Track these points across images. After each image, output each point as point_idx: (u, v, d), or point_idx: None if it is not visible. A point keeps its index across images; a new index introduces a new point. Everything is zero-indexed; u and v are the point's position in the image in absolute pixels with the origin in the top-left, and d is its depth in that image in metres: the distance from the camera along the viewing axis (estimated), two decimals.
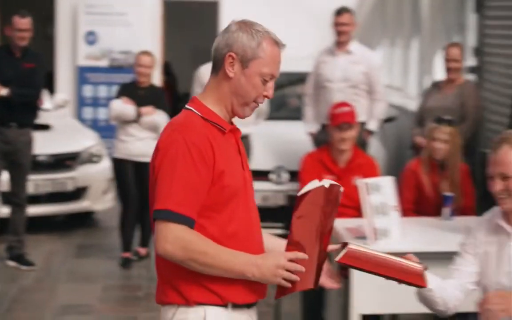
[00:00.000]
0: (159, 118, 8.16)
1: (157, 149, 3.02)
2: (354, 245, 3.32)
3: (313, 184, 3.05)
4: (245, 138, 8.35)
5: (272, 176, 8.73)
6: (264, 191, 8.62)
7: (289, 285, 2.95)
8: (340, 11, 8.28)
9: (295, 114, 9.29)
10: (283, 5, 13.15)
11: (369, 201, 5.11)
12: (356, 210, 5.76)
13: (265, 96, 3.11)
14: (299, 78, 9.72)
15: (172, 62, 15.54)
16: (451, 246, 4.68)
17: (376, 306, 5.21)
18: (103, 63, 13.20)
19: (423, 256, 3.61)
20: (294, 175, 8.16)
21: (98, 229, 9.94)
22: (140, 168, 8.20)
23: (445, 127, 6.21)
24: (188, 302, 2.97)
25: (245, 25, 3.08)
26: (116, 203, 8.94)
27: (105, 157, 9.49)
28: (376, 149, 8.71)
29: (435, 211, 5.94)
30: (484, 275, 3.89)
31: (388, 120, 9.54)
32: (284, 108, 9.89)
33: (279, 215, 8.06)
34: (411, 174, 6.19)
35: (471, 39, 10.54)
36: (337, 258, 3.24)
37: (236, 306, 3.02)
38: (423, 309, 5.64)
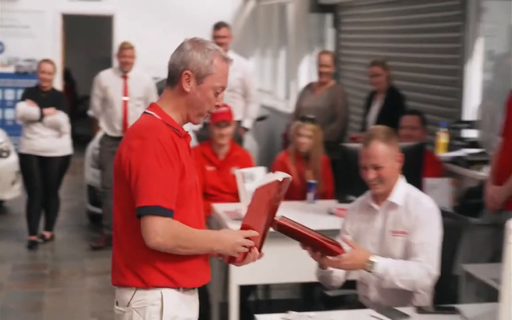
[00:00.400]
0: (60, 117, 8.00)
1: (130, 150, 2.95)
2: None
3: (269, 178, 3.12)
4: None
5: None
6: None
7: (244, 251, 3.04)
8: (219, 26, 8.25)
9: None
10: (167, 19, 13.02)
11: (244, 188, 5.13)
12: (233, 196, 5.73)
13: (217, 106, 3.11)
14: None
15: (72, 68, 15.25)
16: (315, 224, 4.73)
17: (251, 278, 5.20)
18: (10, 69, 12.96)
19: None
20: None
21: (7, 215, 9.61)
22: (43, 162, 8.05)
23: (308, 125, 6.26)
24: (147, 286, 2.97)
25: (198, 44, 3.06)
26: (23, 192, 8.67)
27: (12, 152, 9.19)
28: (250, 143, 8.72)
29: (301, 196, 5.96)
30: None
31: (260, 119, 9.59)
32: None
33: None
34: (280, 165, 6.19)
35: (329, 50, 10.68)
36: (277, 219, 3.37)
37: (186, 289, 3.05)
38: (291, 279, 5.70)
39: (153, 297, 2.96)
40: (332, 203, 5.73)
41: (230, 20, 11.99)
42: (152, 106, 3.10)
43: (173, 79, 3.06)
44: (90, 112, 8.62)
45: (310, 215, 5.38)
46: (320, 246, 3.60)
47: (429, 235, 3.83)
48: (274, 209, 3.21)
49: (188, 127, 7.82)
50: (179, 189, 2.96)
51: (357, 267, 3.75)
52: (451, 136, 6.79)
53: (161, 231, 2.86)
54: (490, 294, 4.53)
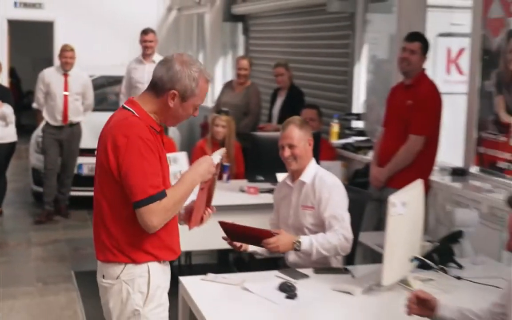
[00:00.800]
0: (6, 109, 7.78)
1: (113, 144, 2.83)
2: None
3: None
4: (77, 125, 8.14)
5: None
6: (92, 164, 8.38)
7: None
8: (146, 31, 8.19)
9: (113, 107, 9.06)
10: (101, 26, 12.78)
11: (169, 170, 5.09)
12: None
13: (193, 115, 3.03)
14: (115, 80, 9.50)
15: (17, 67, 14.87)
16: (229, 201, 5.06)
17: None
18: None
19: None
20: None
21: None
22: None
23: (223, 116, 6.27)
24: (135, 262, 2.89)
25: (186, 66, 2.90)
26: None
27: None
28: (173, 132, 8.65)
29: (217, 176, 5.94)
30: (279, 219, 4.14)
31: None
32: (104, 103, 9.66)
33: None
34: (199, 150, 6.18)
35: (240, 53, 10.74)
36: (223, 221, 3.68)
37: (165, 261, 3.01)
38: (209, 247, 5.73)
39: (141, 270, 2.90)
40: (243, 182, 5.77)
41: (155, 26, 11.90)
42: (132, 102, 2.93)
43: (158, 91, 2.91)
44: (34, 105, 8.44)
45: (225, 192, 5.38)
46: (257, 234, 3.72)
47: (336, 207, 3.88)
48: (211, 186, 3.21)
49: None
50: None
51: (288, 247, 3.76)
52: (342, 126, 6.93)
53: (155, 214, 2.80)
54: (374, 257, 4.67)
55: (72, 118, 8.02)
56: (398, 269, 3.41)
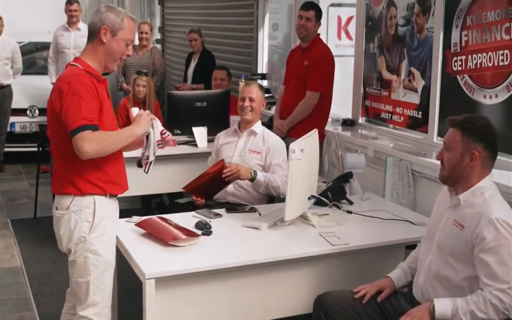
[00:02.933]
0: None
1: (58, 91, 2.87)
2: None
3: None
4: (7, 87, 7.81)
5: (28, 113, 8.18)
6: (23, 122, 8.15)
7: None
8: (71, 1, 7.92)
9: (42, 71, 8.81)
10: None
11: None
12: None
13: (127, 55, 3.05)
14: (43, 46, 9.19)
15: None
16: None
17: None
18: None
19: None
20: (42, 111, 7.95)
21: None
22: None
23: (143, 77, 6.14)
24: (82, 193, 2.93)
25: (111, 8, 3.01)
26: None
27: None
28: None
29: None
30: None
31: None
32: (34, 67, 9.31)
33: (32, 137, 7.79)
34: (122, 107, 6.06)
35: (158, 22, 10.54)
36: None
37: (111, 196, 3.04)
38: (133, 193, 5.63)
39: (87, 202, 2.93)
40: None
41: None
42: (76, 59, 3.00)
43: (93, 35, 2.97)
44: None
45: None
46: (216, 171, 3.86)
47: (283, 160, 4.08)
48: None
49: (47, 81, 7.49)
50: (99, 122, 2.89)
51: (246, 174, 3.93)
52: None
53: (86, 141, 2.79)
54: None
55: (2, 81, 7.71)
56: (298, 207, 3.46)
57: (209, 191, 3.97)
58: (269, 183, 3.99)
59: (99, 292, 2.97)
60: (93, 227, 2.95)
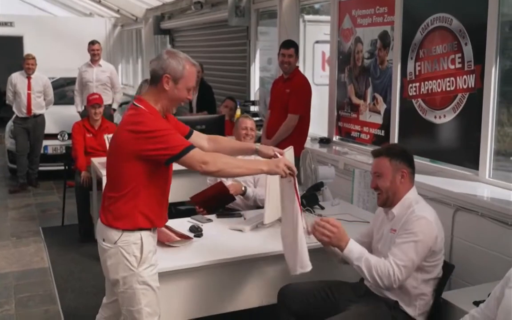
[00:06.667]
0: None
1: (130, 133, 2.52)
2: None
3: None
4: (40, 116, 7.84)
5: (58, 137, 8.21)
6: (54, 145, 8.17)
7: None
8: (93, 42, 7.91)
9: (70, 101, 8.82)
10: (60, 39, 12.44)
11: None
12: (105, 153, 5.50)
13: (188, 99, 2.66)
14: (71, 81, 9.15)
15: None
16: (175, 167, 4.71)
17: None
18: None
19: None
20: (70, 136, 7.71)
21: None
22: None
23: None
24: (131, 229, 2.59)
25: (172, 54, 2.62)
26: None
27: None
28: (118, 118, 8.41)
29: None
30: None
31: (124, 103, 9.33)
32: (64, 98, 9.34)
33: (62, 158, 7.67)
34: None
35: None
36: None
37: (154, 229, 2.70)
38: None
39: (135, 238, 2.59)
40: None
41: (104, 40, 11.67)
42: (139, 99, 2.61)
43: (155, 81, 2.62)
44: (7, 101, 8.06)
45: None
46: (220, 189, 3.78)
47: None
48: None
49: (74, 110, 7.51)
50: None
51: (238, 190, 3.91)
52: (242, 109, 6.94)
53: (201, 154, 2.56)
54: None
55: (35, 111, 7.75)
56: (276, 211, 3.44)
57: (212, 205, 3.83)
58: (256, 196, 4.00)
59: (150, 317, 2.69)
60: (141, 261, 2.62)
